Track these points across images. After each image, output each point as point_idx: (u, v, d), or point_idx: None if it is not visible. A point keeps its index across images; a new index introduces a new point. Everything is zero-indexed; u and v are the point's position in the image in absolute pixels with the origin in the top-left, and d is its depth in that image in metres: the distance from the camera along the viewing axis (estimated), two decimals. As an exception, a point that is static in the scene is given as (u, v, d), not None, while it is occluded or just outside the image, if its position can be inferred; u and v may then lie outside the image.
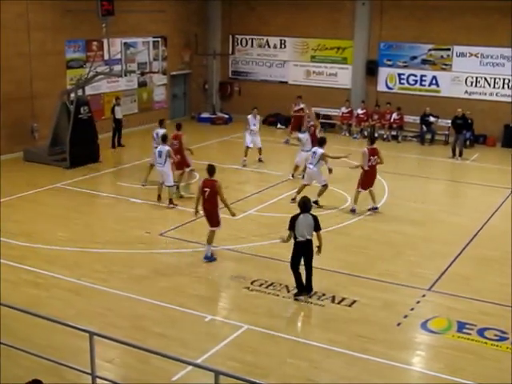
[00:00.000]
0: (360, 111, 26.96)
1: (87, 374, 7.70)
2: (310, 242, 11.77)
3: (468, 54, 25.91)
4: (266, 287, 12.36)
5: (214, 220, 13.56)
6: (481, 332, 10.82)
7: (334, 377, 9.56)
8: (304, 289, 12.02)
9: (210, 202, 13.42)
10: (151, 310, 11.45)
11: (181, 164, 17.73)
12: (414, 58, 26.91)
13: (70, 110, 21.16)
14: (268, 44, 29.54)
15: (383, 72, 27.54)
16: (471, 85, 26.07)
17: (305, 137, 19.49)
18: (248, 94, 29.33)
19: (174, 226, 15.69)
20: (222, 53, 29.96)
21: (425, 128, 25.90)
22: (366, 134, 26.80)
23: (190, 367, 8.96)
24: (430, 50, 26.59)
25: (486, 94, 25.88)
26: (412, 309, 11.70)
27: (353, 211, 16.75)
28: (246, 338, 10.60)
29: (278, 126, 28.43)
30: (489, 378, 9.54)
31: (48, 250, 14.12)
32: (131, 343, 7.94)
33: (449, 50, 26.24)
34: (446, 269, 13.47)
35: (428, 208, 17.68)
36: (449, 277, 13.13)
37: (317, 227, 11.73)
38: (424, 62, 26.80)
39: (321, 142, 17.32)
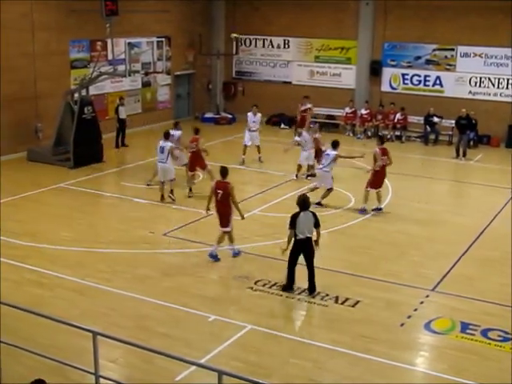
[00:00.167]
0: (364, 111, 26.94)
1: (91, 373, 7.70)
2: (309, 239, 11.89)
3: (472, 55, 25.87)
4: (270, 287, 12.37)
5: (225, 221, 13.62)
6: (484, 333, 10.80)
7: (337, 377, 9.55)
8: (291, 287, 12.16)
9: (223, 204, 13.49)
10: (155, 310, 11.46)
11: (194, 165, 18.22)
12: (418, 58, 26.89)
13: (73, 109, 21.21)
14: (272, 44, 29.56)
15: (387, 72, 27.52)
16: (475, 85, 26.03)
17: (303, 138, 19.50)
18: (252, 94, 29.31)
19: (177, 226, 15.70)
20: (225, 53, 29.97)
21: (429, 128, 25.87)
22: (369, 134, 26.83)
23: (194, 367, 8.96)
24: (434, 50, 26.55)
25: (490, 94, 25.83)
26: (415, 309, 11.69)
27: (363, 211, 16.74)
28: (250, 338, 10.61)
29: (282, 126, 28.42)
30: (492, 379, 9.53)
31: (52, 249, 14.15)
32: (135, 343, 7.94)
33: (453, 50, 26.20)
34: (450, 269, 13.46)
35: (432, 208, 17.66)
36: (452, 277, 13.12)
37: (316, 224, 11.93)
38: (428, 62, 26.77)
39: (334, 145, 17.33)
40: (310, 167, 19.60)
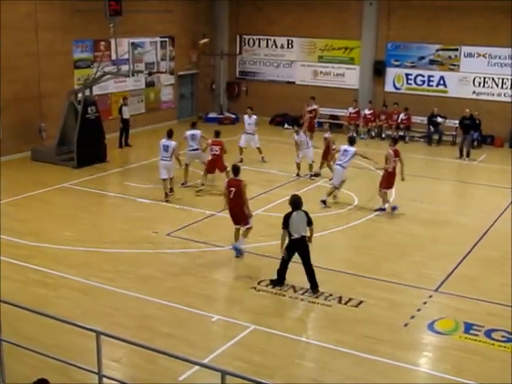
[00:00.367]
0: (367, 111, 26.92)
1: (94, 373, 7.70)
2: (304, 238, 12.01)
3: (476, 55, 25.83)
4: (273, 287, 12.37)
5: (242, 218, 13.71)
6: (488, 333, 10.79)
7: (340, 377, 9.55)
8: (282, 282, 12.29)
9: (236, 202, 13.62)
10: (158, 310, 11.47)
11: (213, 167, 18.45)
12: (422, 58, 26.86)
13: (77, 109, 21.23)
14: (275, 44, 29.56)
15: (391, 72, 27.50)
16: (479, 85, 25.99)
17: (300, 137, 19.64)
18: (255, 94, 29.32)
19: (181, 226, 15.70)
20: (229, 53, 29.98)
21: (432, 128, 25.83)
22: (373, 134, 26.81)
23: (197, 367, 8.96)
24: (437, 50, 26.53)
25: (493, 94, 25.80)
26: (419, 309, 11.69)
27: (382, 210, 16.84)
28: (253, 338, 10.61)
29: (285, 126, 28.38)
30: (496, 380, 9.52)
31: (55, 249, 14.17)
32: (138, 343, 7.94)
33: (457, 50, 26.17)
34: (453, 270, 13.44)
35: (435, 209, 17.64)
36: (456, 278, 13.11)
37: (309, 222, 12.08)
38: (432, 62, 26.74)
39: (352, 141, 17.41)
40: (310, 167, 19.77)
